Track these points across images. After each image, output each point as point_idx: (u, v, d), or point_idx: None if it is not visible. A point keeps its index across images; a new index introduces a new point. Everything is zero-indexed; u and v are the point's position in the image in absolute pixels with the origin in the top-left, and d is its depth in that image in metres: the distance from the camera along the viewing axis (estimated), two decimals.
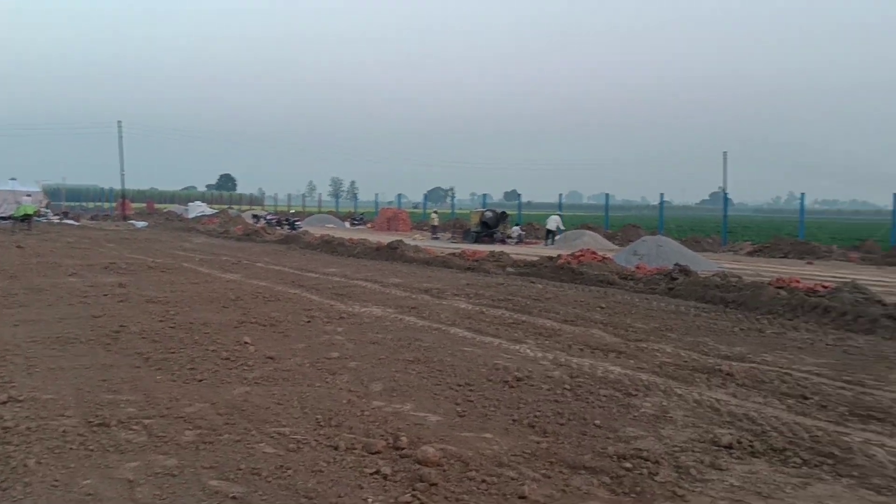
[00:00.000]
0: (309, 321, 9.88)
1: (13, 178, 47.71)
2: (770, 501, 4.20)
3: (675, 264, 15.96)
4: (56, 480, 4.22)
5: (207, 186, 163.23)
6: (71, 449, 4.76)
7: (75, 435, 5.02)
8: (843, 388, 6.85)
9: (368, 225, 52.75)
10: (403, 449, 4.81)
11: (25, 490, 4.06)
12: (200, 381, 6.61)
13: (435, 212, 44.96)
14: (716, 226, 40.71)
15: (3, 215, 40.86)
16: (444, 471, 4.46)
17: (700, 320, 10.74)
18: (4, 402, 5.72)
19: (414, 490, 4.16)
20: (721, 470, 4.68)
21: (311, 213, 62.37)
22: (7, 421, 5.24)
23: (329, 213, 65.04)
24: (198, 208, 60.81)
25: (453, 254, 20.73)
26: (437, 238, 37.66)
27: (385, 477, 4.36)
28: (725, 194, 40.65)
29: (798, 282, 14.06)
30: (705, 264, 20.39)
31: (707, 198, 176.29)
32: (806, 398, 6.41)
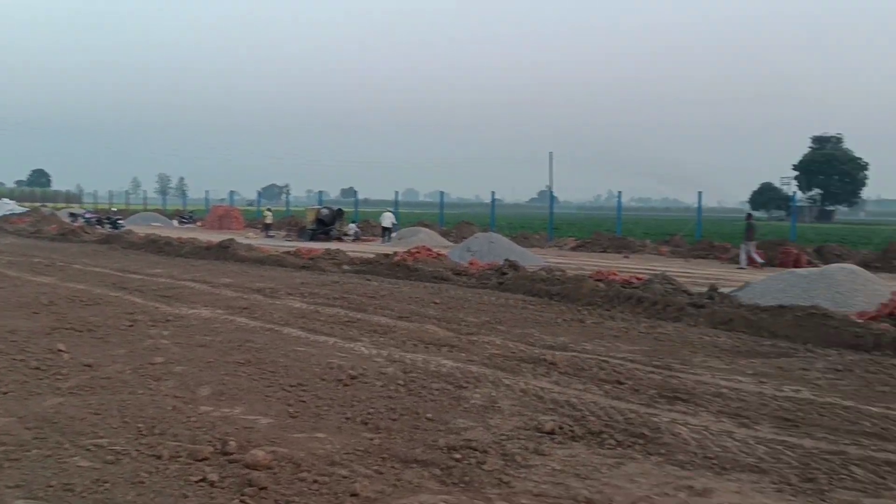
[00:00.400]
0: (131, 325, 9.35)
1: None
2: (588, 482, 4.47)
3: (506, 260, 16.54)
4: None
5: (17, 182, 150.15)
6: None
7: None
8: (653, 372, 7.40)
9: (198, 223, 50.66)
10: (232, 454, 4.67)
11: None
12: (5, 393, 6.08)
13: (268, 209, 44.01)
14: (543, 222, 42.60)
15: None
16: (275, 473, 4.38)
17: (527, 313, 11.21)
18: None
19: (243, 495, 4.05)
20: (544, 455, 4.91)
21: (135, 211, 59.11)
22: None
23: (155, 210, 61.85)
24: (5, 206, 55.83)
25: (288, 252, 20.35)
26: (271, 237, 36.84)
27: (212, 484, 4.21)
28: (551, 193, 42.64)
29: (615, 275, 15.04)
30: (533, 259, 21.31)
31: (536, 196, 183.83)
32: (621, 383, 6.87)
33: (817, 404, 6.33)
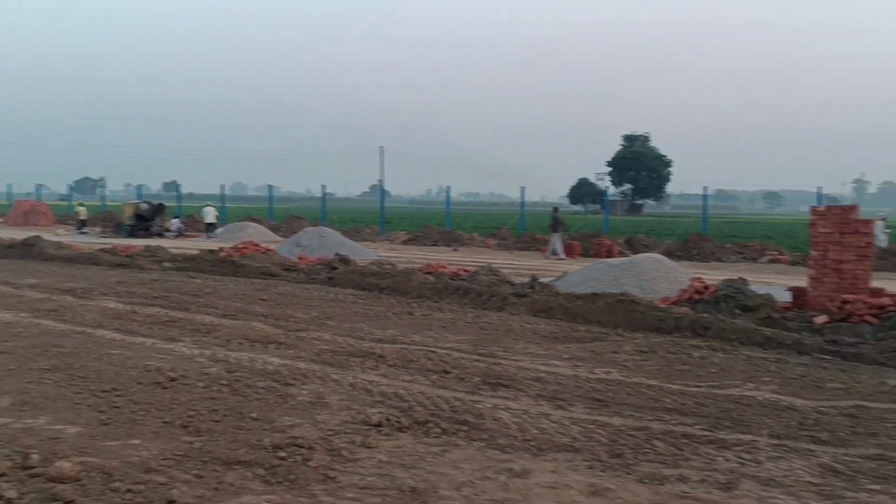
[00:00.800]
0: None
1: None
2: (413, 471, 4.55)
3: (336, 254, 16.45)
4: None
5: None
6: None
7: None
8: (478, 360, 7.65)
9: (0, 219, 46.32)
10: (34, 468, 4.32)
11: None
12: None
13: (81, 204, 40.95)
14: (374, 217, 42.72)
15: None
16: (83, 485, 4.10)
17: (357, 307, 11.21)
18: None
19: None
20: (371, 448, 4.94)
21: None
22: None
23: None
24: None
25: (103, 249, 19.08)
26: (84, 233, 34.34)
27: (9, 501, 3.88)
28: (382, 187, 42.89)
29: (444, 267, 15.38)
30: (364, 253, 21.34)
31: (367, 190, 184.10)
32: (447, 372, 7.05)
33: (625, 384, 6.81)
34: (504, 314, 10.70)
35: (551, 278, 14.63)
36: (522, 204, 35.83)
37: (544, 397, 6.32)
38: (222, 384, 6.41)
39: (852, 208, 11.14)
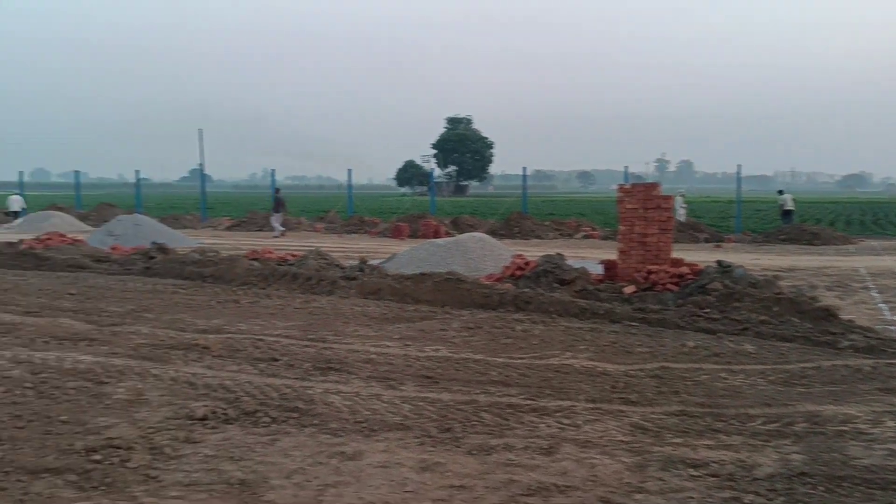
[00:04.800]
0: None
1: None
2: (241, 463, 4.41)
3: (153, 243, 15.60)
4: None
5: None
6: None
7: None
8: (308, 345, 7.55)
9: None
10: None
11: None
12: None
13: None
14: (196, 202, 40.92)
15: None
16: None
17: (178, 297, 10.69)
18: None
19: None
20: (196, 443, 4.74)
21: None
22: None
23: None
24: None
25: None
26: None
27: None
28: (203, 171, 40.99)
29: (271, 252, 15.01)
30: (185, 241, 20.41)
31: (187, 175, 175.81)
32: (276, 360, 6.89)
33: (454, 360, 6.98)
34: (334, 298, 10.62)
35: (380, 260, 14.69)
36: (350, 186, 35.62)
37: (375, 378, 6.34)
38: (26, 387, 5.87)
39: (654, 185, 12.01)
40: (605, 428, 5.14)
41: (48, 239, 17.01)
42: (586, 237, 25.77)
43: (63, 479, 4.12)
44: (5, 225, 30.18)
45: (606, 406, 5.65)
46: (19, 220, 30.02)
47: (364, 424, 5.15)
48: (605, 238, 24.32)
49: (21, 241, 16.70)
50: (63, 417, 5.17)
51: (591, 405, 5.66)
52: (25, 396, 5.67)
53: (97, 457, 4.43)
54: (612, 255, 12.55)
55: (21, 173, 42.21)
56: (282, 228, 27.04)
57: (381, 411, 5.44)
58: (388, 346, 7.57)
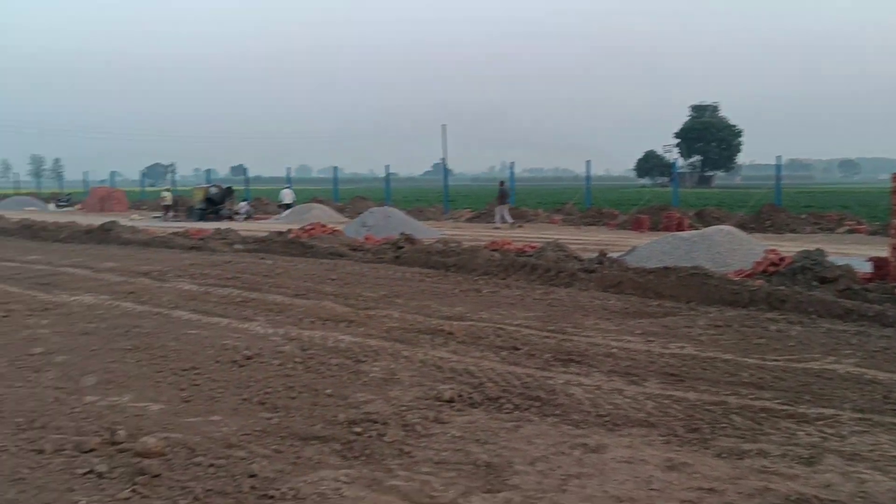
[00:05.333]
0: (6, 315, 8.81)
1: None
2: (487, 446, 4.54)
3: (401, 233, 16.54)
4: None
5: None
6: None
7: None
8: (547, 336, 7.59)
9: (77, 206, 48.08)
10: (121, 443, 4.48)
11: None
12: None
13: (167, 190, 41.86)
14: (438, 195, 42.84)
15: None
16: (168, 460, 4.24)
17: (424, 285, 11.26)
18: None
19: (134, 485, 3.90)
20: (444, 423, 4.96)
21: (6, 195, 55.52)
22: None
23: (29, 194, 58.36)
24: None
25: (176, 233, 19.64)
26: (176, 218, 34.90)
27: (100, 475, 4.03)
28: (445, 166, 42.83)
29: (510, 244, 15.30)
30: (429, 232, 21.42)
31: (430, 169, 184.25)
32: (517, 349, 7.01)
33: (700, 359, 6.66)
34: (572, 290, 10.59)
35: (620, 253, 14.41)
36: (588, 178, 35.31)
37: (617, 373, 6.23)
38: (297, 362, 6.52)
39: None
40: (877, 441, 4.63)
41: (311, 229, 18.68)
42: (850, 232, 23.38)
43: (329, 447, 4.51)
44: (275, 216, 33.64)
45: (877, 417, 5.08)
46: (287, 212, 33.30)
47: (606, 418, 5.08)
48: (873, 233, 21.91)
49: (289, 230, 18.50)
50: (328, 391, 5.66)
51: (859, 415, 5.12)
52: (296, 370, 6.29)
53: (357, 429, 4.79)
54: (883, 252, 11.27)
55: (288, 169, 46.84)
56: (510, 220, 27.25)
57: (623, 406, 5.34)
58: (630, 341, 7.40)
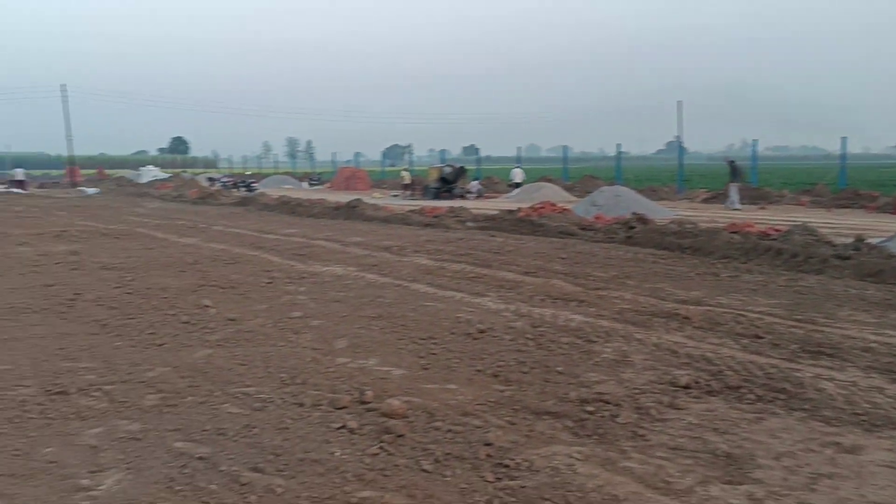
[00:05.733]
0: (270, 282, 9.81)
1: None
2: (726, 437, 4.33)
3: (633, 213, 16.14)
4: (17, 450, 4.17)
5: (159, 150, 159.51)
6: (30, 418, 4.70)
7: (34, 404, 4.95)
8: (794, 326, 7.05)
9: (326, 185, 52.13)
10: (369, 403, 4.84)
11: None
12: (161, 345, 6.54)
13: (406, 169, 44.21)
14: (672, 174, 41.20)
15: None
16: (410, 422, 4.51)
17: (658, 267, 10.91)
18: None
19: (381, 442, 4.20)
20: (679, 409, 4.80)
21: (267, 175, 61.51)
22: None
23: (286, 173, 64.15)
24: (150, 173, 59.44)
25: (413, 211, 20.68)
26: (412, 196, 36.73)
27: (352, 431, 4.39)
28: (680, 143, 40.98)
29: (751, 226, 14.37)
30: (662, 212, 20.68)
31: (663, 147, 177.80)
32: (759, 337, 6.58)
33: None
34: (824, 277, 9.73)
35: (881, 239, 12.99)
36: (844, 156, 32.07)
37: (876, 369, 5.64)
38: (528, 338, 6.62)
39: None
40: None
41: (541, 207, 18.78)
42: None
43: (561, 424, 4.55)
44: (505, 195, 34.25)
45: None
46: (517, 191, 33.77)
47: (864, 418, 4.63)
48: None
49: (518, 209, 18.75)
50: (559, 368, 5.69)
51: None
52: (527, 346, 6.39)
53: (589, 408, 4.78)
54: None
55: (518, 149, 47.48)
56: (737, 202, 24.90)
57: (884, 406, 4.83)
58: (893, 336, 6.66)
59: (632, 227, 14.52)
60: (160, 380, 5.48)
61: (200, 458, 4.01)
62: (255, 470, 3.85)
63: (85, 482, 3.74)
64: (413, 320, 7.38)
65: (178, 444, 4.22)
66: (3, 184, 47.21)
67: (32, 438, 4.35)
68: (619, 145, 38.72)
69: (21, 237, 15.91)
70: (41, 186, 53.87)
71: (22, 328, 7.25)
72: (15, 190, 45.55)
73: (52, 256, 12.56)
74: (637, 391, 5.15)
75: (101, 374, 5.64)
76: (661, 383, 5.33)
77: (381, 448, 4.13)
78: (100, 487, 3.68)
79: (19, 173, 49.69)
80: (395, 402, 4.68)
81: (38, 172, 75.84)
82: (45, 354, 6.22)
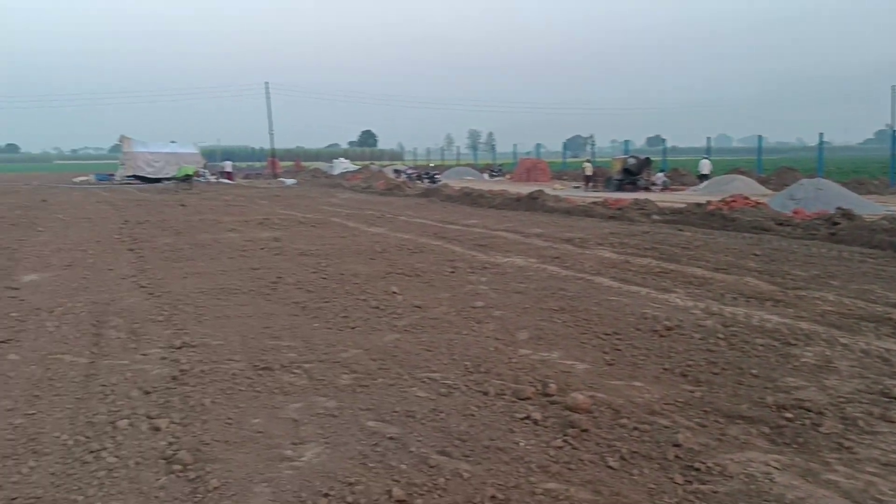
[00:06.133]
0: (453, 271, 10.04)
1: (173, 142, 50.92)
2: None
3: (837, 208, 14.92)
4: (229, 419, 4.55)
5: (350, 143, 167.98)
6: (240, 390, 5.12)
7: (243, 377, 5.38)
8: None
9: (507, 176, 52.55)
10: (552, 395, 4.83)
11: (204, 427, 4.40)
12: (353, 328, 6.89)
13: (588, 161, 43.65)
14: (882, 166, 37.65)
15: (166, 176, 43.98)
16: (595, 418, 4.45)
17: (866, 266, 10.02)
18: (179, 347, 6.21)
19: (565, 435, 4.18)
20: (893, 423, 4.39)
21: (449, 166, 62.86)
22: (183, 364, 5.70)
23: (467, 165, 65.29)
24: (341, 165, 62.71)
25: (595, 203, 20.36)
26: (594, 188, 36.14)
27: (535, 422, 4.40)
28: (894, 132, 37.29)
29: None
30: (871, 207, 18.98)
31: (872, 136, 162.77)
32: None
33: None
34: None
35: None
36: None
37: None
38: (719, 337, 6.32)
39: None
40: None
41: (732, 201, 17.84)
42: None
43: (756, 429, 4.30)
44: (692, 187, 32.84)
45: None
46: (705, 183, 32.28)
47: None
48: None
49: (708, 202, 17.92)
50: (753, 371, 5.38)
51: None
52: (718, 346, 6.10)
53: (788, 415, 4.48)
54: None
55: (708, 139, 45.35)
56: None
57: None
58: None
59: (836, 223, 13.44)
60: (353, 360, 5.78)
61: (391, 438, 4.19)
62: (443, 453, 3.96)
63: (288, 452, 4.02)
64: (597, 315, 7.27)
65: (371, 423, 4.43)
66: (213, 175, 51.67)
67: (242, 409, 4.73)
68: (821, 134, 35.95)
69: (230, 224, 17.37)
70: (246, 177, 58.55)
71: (232, 307, 7.91)
72: (224, 180, 49.79)
73: (257, 242, 13.60)
74: (843, 400, 4.76)
75: (300, 352, 6.05)
76: (871, 393, 4.89)
77: (565, 441, 4.11)
78: (301, 458, 3.94)
79: (228, 165, 54.32)
80: (580, 397, 4.64)
81: (242, 164, 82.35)
82: (252, 332, 6.76)
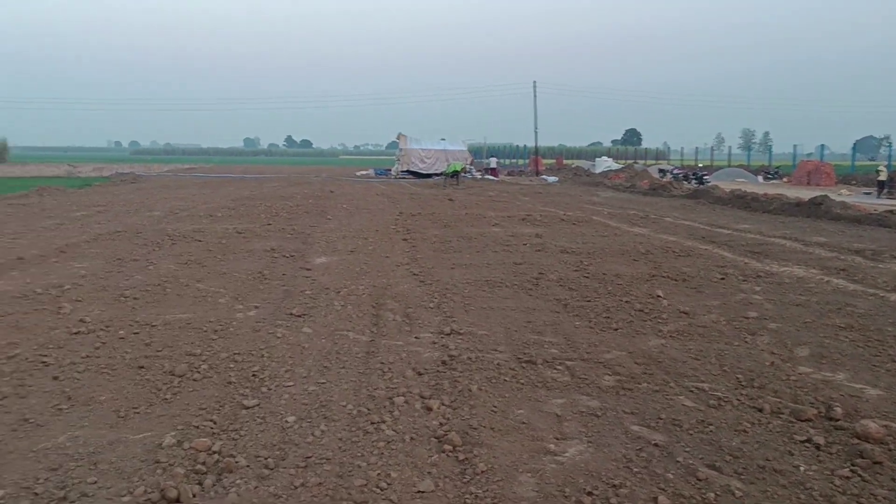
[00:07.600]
0: (723, 278, 9.52)
1: (443, 139, 53.66)
2: None
3: None
4: (494, 407, 4.71)
5: (612, 142, 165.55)
6: (504, 381, 5.27)
7: (507, 368, 5.54)
8: None
9: (784, 179, 48.63)
10: (838, 420, 4.40)
11: (471, 412, 4.60)
12: (616, 329, 6.80)
13: (883, 165, 39.11)
14: None
15: (436, 172, 46.50)
16: (890, 449, 3.98)
17: None
18: (448, 334, 6.54)
19: (853, 465, 3.79)
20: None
21: (719, 167, 59.58)
22: (452, 350, 5.99)
23: (739, 166, 61.43)
24: (604, 163, 61.97)
25: (891, 211, 18.17)
26: (889, 195, 32.32)
27: (818, 447, 4.04)
28: None
29: None
30: None
31: None
32: None
33: None
34: None
35: None
36: None
37: None
38: None
39: None
40: None
41: None
42: None
43: None
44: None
45: None
46: None
47: None
48: None
49: None
50: None
51: None
52: None
53: None
54: None
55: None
56: None
57: None
58: None
59: None
60: (616, 362, 5.70)
61: (656, 445, 4.07)
62: (712, 467, 3.78)
63: (551, 447, 4.07)
64: (893, 336, 6.49)
65: (634, 428, 4.34)
66: (479, 171, 53.64)
67: (506, 399, 4.88)
68: None
69: (494, 219, 17.92)
70: (509, 174, 60.01)
71: (496, 300, 8.17)
72: (489, 177, 51.49)
73: (520, 238, 13.90)
74: None
75: (562, 349, 6.09)
76: None
77: (852, 472, 3.72)
78: (565, 454, 3.97)
79: (493, 162, 56.13)
80: (872, 425, 4.17)
81: (506, 161, 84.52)
82: (515, 325, 6.93)
